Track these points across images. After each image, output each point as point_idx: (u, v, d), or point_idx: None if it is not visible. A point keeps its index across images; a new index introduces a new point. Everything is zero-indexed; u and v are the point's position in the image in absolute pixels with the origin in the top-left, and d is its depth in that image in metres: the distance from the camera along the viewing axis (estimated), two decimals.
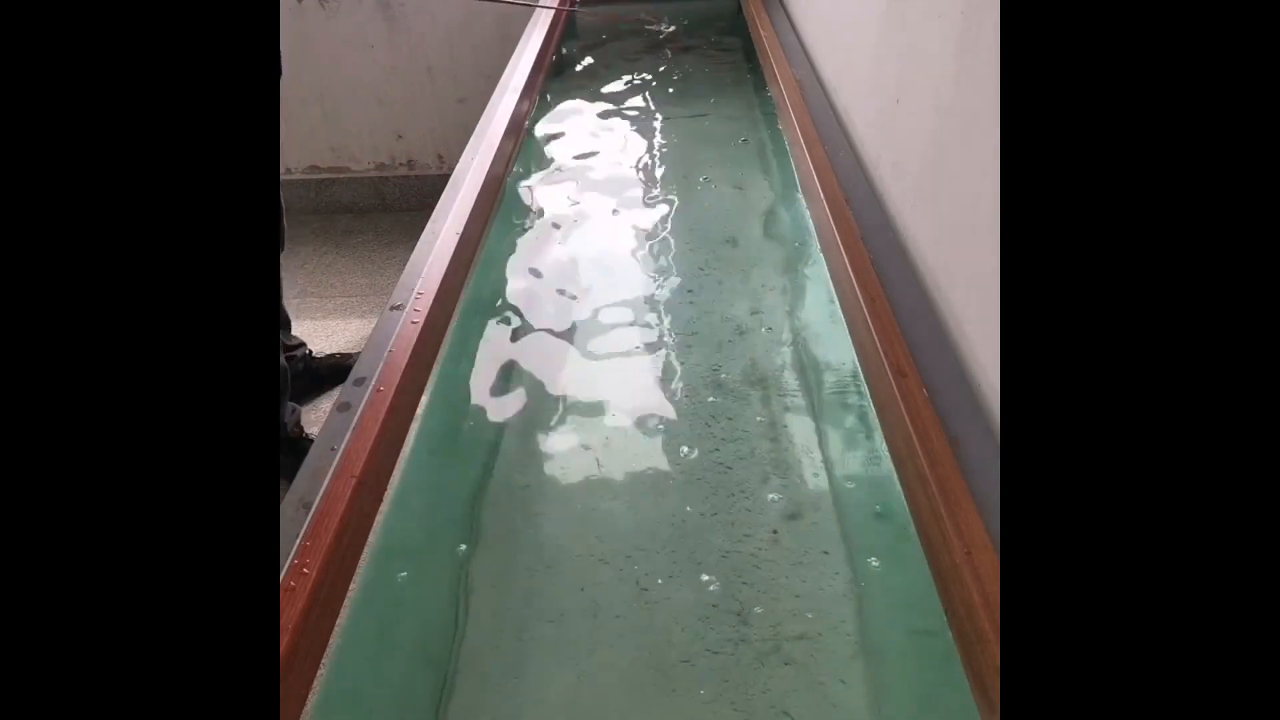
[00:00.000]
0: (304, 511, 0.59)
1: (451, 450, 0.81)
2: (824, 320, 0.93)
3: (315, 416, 1.82)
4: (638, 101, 1.53)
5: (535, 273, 1.07)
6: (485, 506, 0.75)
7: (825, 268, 0.98)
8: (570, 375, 0.89)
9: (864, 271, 0.83)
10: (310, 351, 1.84)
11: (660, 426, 0.81)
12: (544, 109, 1.50)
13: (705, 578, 0.66)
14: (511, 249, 1.12)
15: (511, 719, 0.58)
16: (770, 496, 0.73)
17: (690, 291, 1.00)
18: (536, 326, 0.96)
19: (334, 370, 1.86)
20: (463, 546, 0.71)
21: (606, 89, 1.58)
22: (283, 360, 1.59)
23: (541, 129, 1.43)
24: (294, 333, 1.83)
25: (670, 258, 1.08)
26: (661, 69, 1.66)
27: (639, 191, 1.24)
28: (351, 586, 0.62)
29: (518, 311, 0.99)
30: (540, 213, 1.20)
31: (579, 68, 1.69)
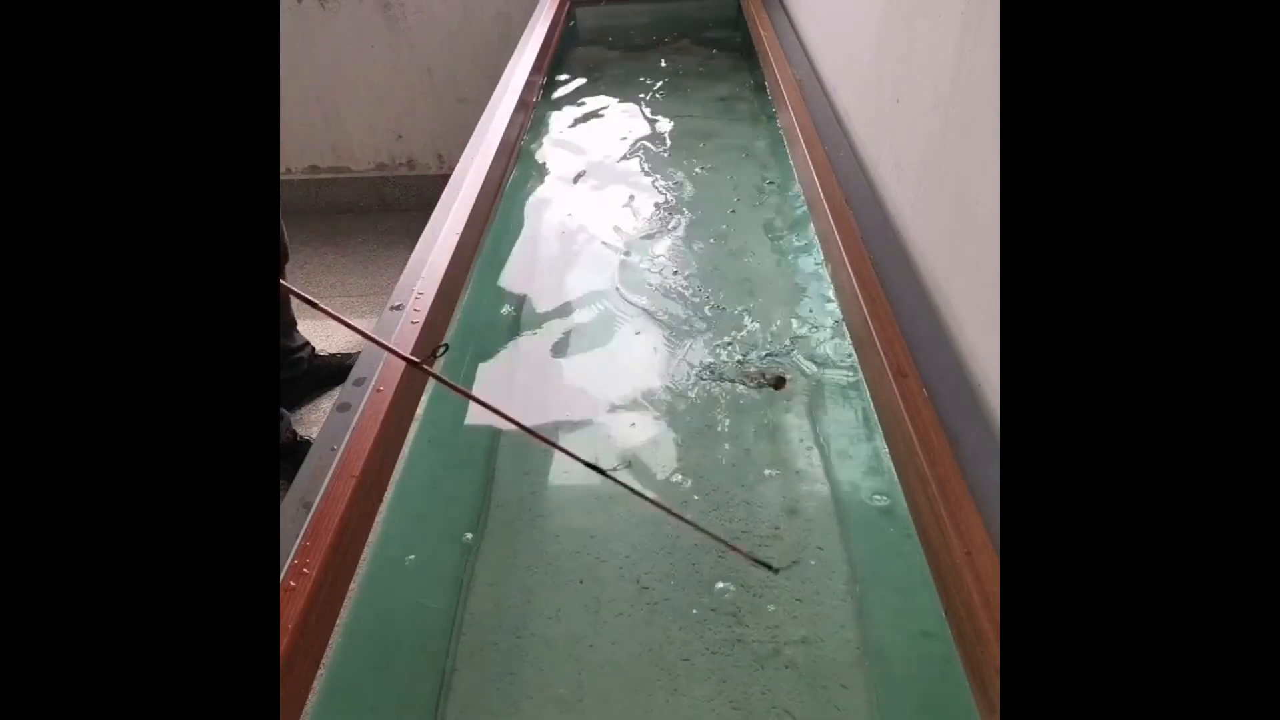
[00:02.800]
0: (304, 511, 0.59)
1: (451, 450, 0.81)
2: (823, 319, 0.93)
3: (315, 417, 1.82)
4: (639, 100, 1.53)
5: (535, 272, 1.07)
6: (485, 505, 0.75)
7: (825, 267, 0.97)
8: (570, 373, 0.89)
9: (864, 271, 0.83)
10: (314, 350, 1.84)
11: (660, 425, 0.81)
12: (544, 109, 1.50)
13: (708, 576, 0.66)
14: (511, 248, 1.12)
15: (510, 717, 0.59)
16: (770, 496, 0.73)
17: (690, 292, 1.00)
18: (537, 325, 0.96)
19: (336, 370, 1.86)
20: (468, 535, 0.71)
21: (607, 88, 1.58)
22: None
23: (542, 129, 1.43)
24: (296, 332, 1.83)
25: (671, 256, 1.08)
26: (663, 70, 1.66)
27: (639, 189, 1.24)
28: (351, 587, 0.62)
29: (518, 311, 0.99)
30: (540, 211, 1.20)
31: (579, 67, 1.69)
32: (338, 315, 0.55)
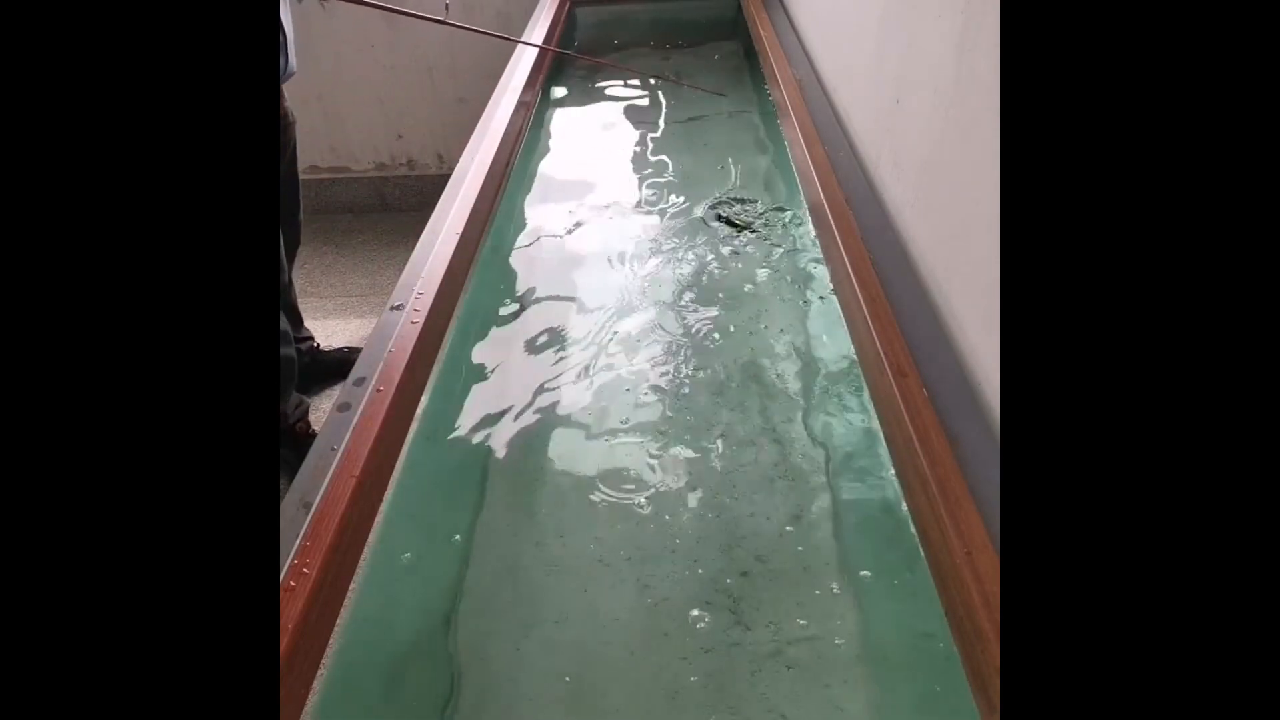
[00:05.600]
0: (304, 511, 0.59)
1: (452, 450, 0.81)
2: (824, 319, 0.93)
3: (315, 416, 1.81)
4: (639, 99, 1.53)
5: (536, 272, 1.07)
6: (486, 506, 0.75)
7: (825, 267, 0.98)
8: (571, 374, 0.89)
9: (864, 271, 0.83)
10: (318, 345, 1.84)
11: (661, 427, 0.81)
12: (544, 108, 1.50)
13: (706, 575, 0.66)
14: (512, 249, 1.12)
15: (511, 717, 0.59)
16: (770, 497, 0.73)
17: (690, 297, 1.00)
18: (537, 326, 0.96)
19: (338, 364, 1.85)
20: (463, 535, 0.71)
21: (607, 87, 1.58)
22: (292, 351, 1.58)
23: (542, 128, 1.43)
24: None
25: (669, 264, 1.08)
26: (662, 69, 1.66)
27: (639, 188, 1.24)
28: (351, 587, 0.62)
29: (518, 311, 0.99)
30: (541, 211, 1.20)
31: (579, 66, 1.69)
32: None
